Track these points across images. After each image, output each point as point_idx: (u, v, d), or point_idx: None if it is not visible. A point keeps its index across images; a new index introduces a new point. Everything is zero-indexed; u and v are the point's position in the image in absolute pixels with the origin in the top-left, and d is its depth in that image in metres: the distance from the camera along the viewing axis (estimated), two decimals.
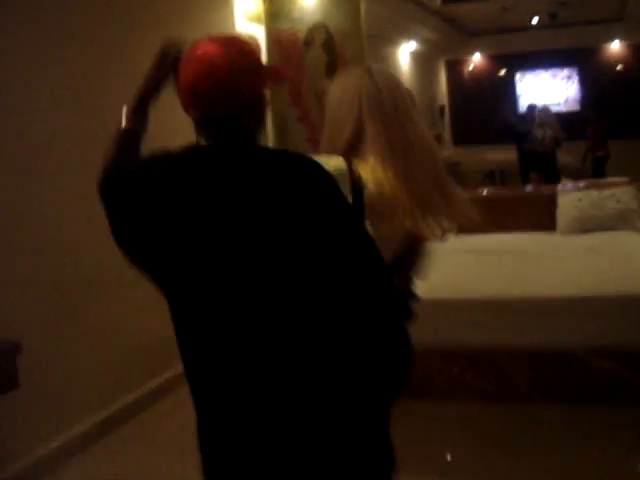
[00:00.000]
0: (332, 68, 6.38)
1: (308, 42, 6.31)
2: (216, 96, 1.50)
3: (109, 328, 4.02)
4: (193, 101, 1.53)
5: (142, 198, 1.53)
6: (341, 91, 1.87)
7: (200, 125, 1.56)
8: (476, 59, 15.12)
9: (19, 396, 2.87)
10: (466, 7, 11.21)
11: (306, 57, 6.33)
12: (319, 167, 1.50)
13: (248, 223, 1.44)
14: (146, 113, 1.71)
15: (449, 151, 13.78)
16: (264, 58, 5.52)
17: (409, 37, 11.37)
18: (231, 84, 1.50)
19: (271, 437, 1.48)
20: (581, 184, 5.94)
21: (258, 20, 6.20)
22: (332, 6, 6.30)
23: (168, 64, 1.66)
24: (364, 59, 6.53)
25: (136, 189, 1.55)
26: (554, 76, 14.57)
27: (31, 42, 3.77)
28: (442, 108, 14.79)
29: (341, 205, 1.50)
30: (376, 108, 1.76)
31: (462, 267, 4.62)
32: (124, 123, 1.68)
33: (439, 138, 13.81)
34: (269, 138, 6.37)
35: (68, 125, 3.91)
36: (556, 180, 8.44)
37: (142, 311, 3.89)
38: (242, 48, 1.56)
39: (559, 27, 12.55)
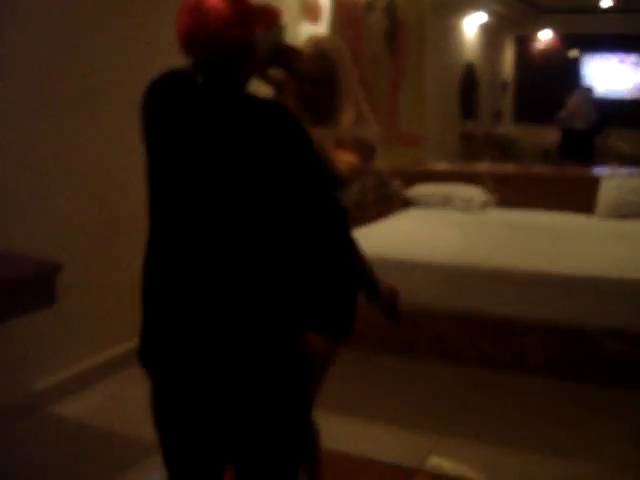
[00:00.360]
0: (391, 33, 6.47)
1: (369, 5, 6.39)
2: (207, 42, 1.68)
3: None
4: (188, 46, 1.71)
5: (145, 120, 1.77)
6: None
7: (196, 66, 1.74)
8: (545, 37, 14.89)
9: (56, 313, 3.09)
10: None
11: (366, 20, 6.41)
12: (289, 114, 1.70)
13: (222, 153, 1.66)
14: None
15: (507, 128, 13.70)
16: (324, 17, 5.67)
17: (478, 8, 11.26)
18: (222, 31, 1.67)
19: (206, 335, 1.69)
20: (625, 170, 5.94)
21: None
22: None
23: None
24: (425, 27, 6.60)
25: (143, 112, 1.79)
26: (622, 61, 14.28)
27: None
28: (505, 84, 14.65)
29: (303, 145, 1.68)
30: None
31: (493, 238, 4.72)
32: None
33: (499, 114, 13.73)
34: None
35: (117, 73, 4.11)
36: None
37: None
38: None
39: (631, 12, 12.30)
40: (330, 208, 1.73)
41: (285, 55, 2.12)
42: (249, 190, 1.64)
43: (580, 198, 5.73)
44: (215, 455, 1.81)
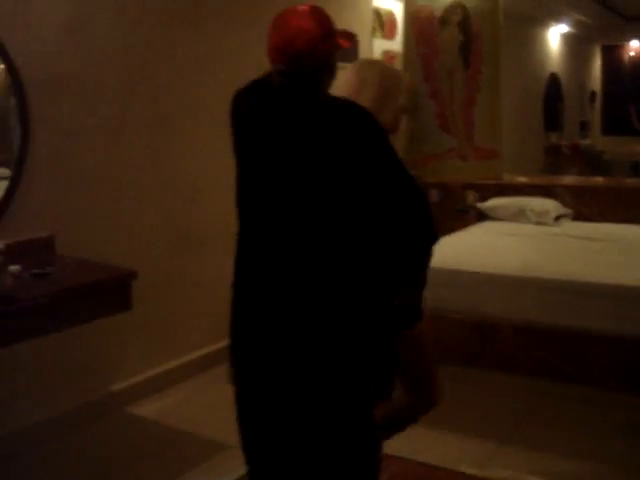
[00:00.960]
0: (466, 48, 6.52)
1: (444, 20, 6.46)
2: (300, 56, 1.88)
3: (216, 277, 4.44)
4: (282, 58, 1.90)
5: (234, 128, 1.97)
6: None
7: (284, 76, 1.91)
8: (634, 46, 14.59)
9: (135, 319, 3.32)
10: None
11: (441, 35, 6.48)
12: (367, 113, 1.82)
13: (307, 154, 1.80)
14: None
15: (594, 140, 13.44)
16: (400, 33, 5.78)
17: (559, 19, 11.15)
18: (312, 47, 1.88)
19: (286, 318, 1.80)
20: None
21: None
22: None
23: None
24: (500, 40, 6.63)
25: (232, 120, 1.98)
26: None
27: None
28: (593, 94, 14.40)
29: (381, 142, 1.81)
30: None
31: (564, 251, 4.71)
32: None
33: (585, 125, 13.50)
34: None
35: (197, 93, 4.33)
36: None
37: None
38: (319, 17, 1.93)
39: None
40: (413, 192, 1.77)
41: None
42: (333, 186, 1.77)
43: None
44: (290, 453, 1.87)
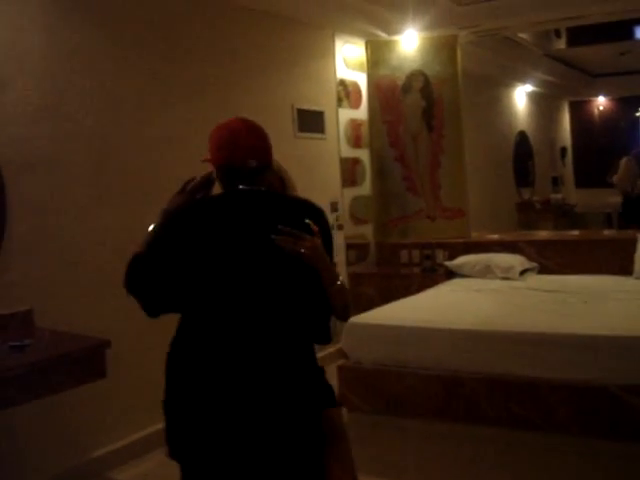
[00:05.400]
0: (429, 112, 6.83)
1: (406, 88, 6.80)
2: (264, 150, 2.29)
3: None
4: (247, 153, 2.23)
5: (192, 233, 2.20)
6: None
7: (236, 173, 2.24)
8: (601, 101, 15.05)
9: (106, 386, 3.46)
10: (586, 50, 11.33)
11: (404, 102, 6.80)
12: (322, 211, 2.32)
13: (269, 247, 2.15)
14: None
15: (566, 194, 13.76)
16: (364, 102, 6.06)
17: (524, 80, 11.55)
18: (269, 144, 2.30)
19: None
20: None
21: (360, 67, 6.73)
22: (430, 55, 6.78)
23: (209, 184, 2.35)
24: (460, 104, 6.94)
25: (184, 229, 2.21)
26: None
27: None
28: (564, 149, 14.79)
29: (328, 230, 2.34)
30: None
31: (527, 304, 4.91)
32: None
33: (557, 180, 13.83)
34: (368, 176, 6.86)
35: (165, 171, 4.55)
36: None
37: None
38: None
39: None
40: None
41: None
42: (290, 269, 2.18)
43: (621, 260, 5.87)
44: None
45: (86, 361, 3.27)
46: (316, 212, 2.30)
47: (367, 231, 6.74)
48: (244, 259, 2.14)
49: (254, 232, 2.16)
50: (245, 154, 2.22)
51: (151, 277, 2.17)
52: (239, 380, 2.09)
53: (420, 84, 6.78)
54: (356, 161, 6.72)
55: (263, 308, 2.14)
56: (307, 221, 2.20)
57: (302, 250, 2.16)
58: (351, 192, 6.64)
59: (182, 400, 2.15)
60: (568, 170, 14.96)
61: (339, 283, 2.25)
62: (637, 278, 5.59)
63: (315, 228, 2.21)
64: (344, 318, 2.40)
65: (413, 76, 6.79)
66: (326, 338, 2.30)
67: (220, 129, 2.28)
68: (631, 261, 5.80)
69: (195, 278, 2.15)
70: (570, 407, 4.02)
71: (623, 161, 10.80)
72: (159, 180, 4.50)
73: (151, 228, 2.26)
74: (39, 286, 3.84)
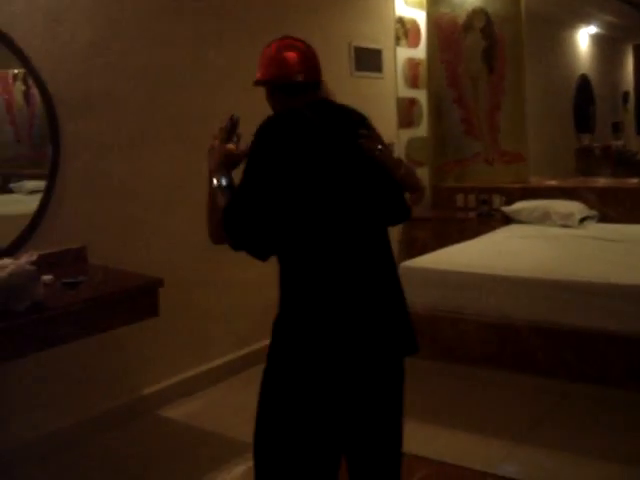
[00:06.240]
0: (490, 53, 6.59)
1: (467, 27, 6.55)
2: (316, 66, 2.29)
3: (243, 283, 4.58)
4: (307, 69, 2.24)
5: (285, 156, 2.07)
6: None
7: (294, 88, 2.23)
8: None
9: (156, 324, 3.46)
10: None
11: (464, 41, 6.57)
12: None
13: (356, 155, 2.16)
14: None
15: (627, 141, 13.35)
16: (423, 41, 5.89)
17: (588, 21, 11.13)
18: (318, 61, 2.31)
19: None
20: None
21: (419, 5, 6.50)
22: None
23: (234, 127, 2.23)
24: (523, 44, 6.68)
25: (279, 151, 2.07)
26: None
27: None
28: (626, 94, 14.30)
29: None
30: None
31: (586, 253, 4.75)
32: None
33: (618, 126, 13.41)
34: (425, 118, 6.69)
35: (219, 107, 4.46)
36: None
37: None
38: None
39: None
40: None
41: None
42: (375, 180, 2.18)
43: None
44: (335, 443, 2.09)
45: (138, 299, 3.25)
46: (364, 118, 2.32)
47: (423, 174, 6.58)
48: (343, 172, 2.10)
49: (342, 142, 2.14)
50: (300, 69, 2.22)
51: (259, 221, 2.00)
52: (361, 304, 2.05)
53: (481, 23, 6.53)
54: (413, 101, 6.54)
55: (364, 221, 2.12)
56: (362, 131, 2.20)
57: (379, 148, 2.19)
58: (407, 133, 6.48)
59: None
60: (630, 116, 14.48)
61: (405, 167, 2.29)
62: None
63: (373, 133, 2.24)
64: (420, 196, 2.47)
65: (474, 14, 6.53)
66: (406, 212, 2.35)
67: (271, 47, 2.28)
68: None
69: (303, 204, 2.02)
70: (628, 361, 3.91)
71: None
72: (210, 117, 4.42)
73: (220, 182, 2.09)
74: (92, 223, 3.82)
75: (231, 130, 2.19)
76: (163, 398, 4.12)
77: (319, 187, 2.03)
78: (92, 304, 3.03)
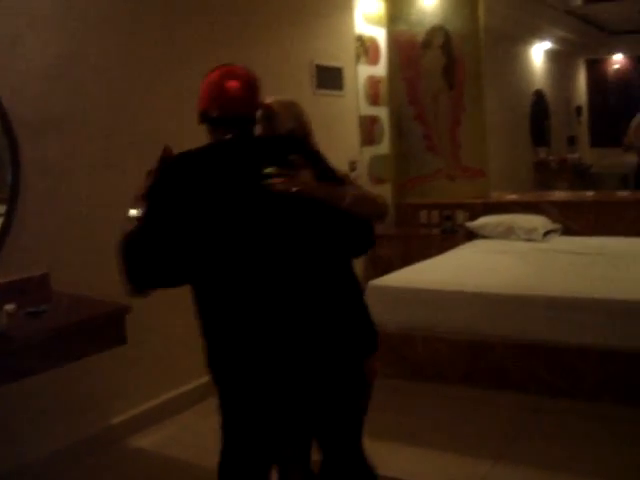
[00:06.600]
0: (449, 70, 6.63)
1: (426, 44, 6.58)
2: (252, 99, 2.24)
3: None
4: (232, 103, 2.20)
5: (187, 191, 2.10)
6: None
7: (224, 123, 2.21)
8: (617, 59, 14.75)
9: (124, 351, 3.35)
10: (605, 7, 11.07)
11: (424, 58, 6.59)
12: (302, 139, 2.33)
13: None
14: None
15: (582, 154, 13.55)
16: (383, 58, 5.88)
17: (542, 36, 11.29)
18: (256, 92, 2.25)
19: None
20: None
21: (378, 22, 6.51)
22: (451, 10, 6.56)
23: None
24: (482, 60, 6.73)
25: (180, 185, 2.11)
26: None
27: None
28: (579, 108, 14.53)
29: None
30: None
31: (552, 267, 4.78)
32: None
33: (573, 139, 13.62)
34: (386, 135, 6.69)
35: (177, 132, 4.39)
36: None
37: None
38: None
39: None
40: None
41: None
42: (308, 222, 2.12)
43: None
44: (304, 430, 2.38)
45: (106, 327, 3.16)
46: (296, 143, 2.27)
47: (386, 191, 6.57)
48: (247, 214, 2.08)
49: (246, 183, 2.09)
50: (232, 104, 2.21)
51: (155, 249, 2.10)
52: (281, 331, 2.08)
53: (441, 40, 6.56)
54: (374, 119, 6.53)
55: (284, 257, 2.09)
56: (291, 157, 2.12)
57: (295, 189, 2.08)
58: (370, 151, 6.46)
59: (228, 349, 2.18)
60: (583, 129, 14.72)
61: (349, 197, 2.16)
62: None
63: (300, 161, 2.13)
64: (380, 218, 2.40)
65: (433, 32, 6.56)
66: (365, 245, 2.32)
67: (208, 78, 2.27)
68: None
69: (201, 242, 2.09)
70: (600, 374, 3.93)
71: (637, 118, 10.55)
72: (171, 138, 4.35)
73: (132, 212, 2.18)
74: (55, 248, 3.71)
75: (163, 164, 2.21)
76: (132, 427, 4.00)
77: (216, 224, 2.07)
78: (58, 334, 2.93)
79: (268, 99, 2.53)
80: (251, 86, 2.24)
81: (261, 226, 2.07)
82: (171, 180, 2.11)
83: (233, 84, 2.20)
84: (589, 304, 3.97)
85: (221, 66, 2.28)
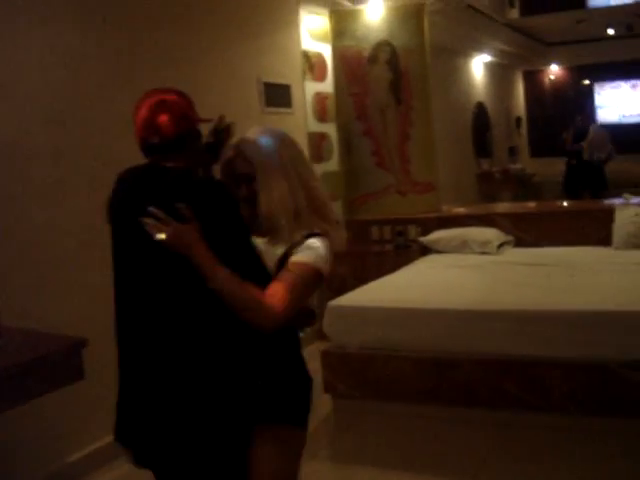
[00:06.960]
0: (396, 84, 6.62)
1: (372, 59, 6.56)
2: (161, 124, 2.14)
3: None
4: (151, 131, 2.14)
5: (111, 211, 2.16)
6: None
7: (144, 150, 2.18)
8: (554, 69, 15.05)
9: (78, 386, 3.20)
10: (541, 19, 11.29)
11: (370, 73, 6.57)
12: (223, 188, 2.01)
13: None
14: None
15: (523, 163, 13.77)
16: (330, 74, 5.83)
17: (481, 49, 11.44)
18: (168, 117, 2.13)
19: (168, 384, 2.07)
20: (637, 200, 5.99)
21: (324, 38, 6.47)
22: (396, 24, 6.56)
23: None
24: (429, 74, 6.74)
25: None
26: (634, 87, 14.37)
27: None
28: (519, 119, 14.76)
29: (233, 219, 2.00)
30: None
31: (510, 279, 4.76)
32: None
33: (514, 150, 13.81)
34: (335, 152, 6.63)
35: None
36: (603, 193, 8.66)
37: None
38: (177, 99, 2.20)
39: (636, 37, 12.42)
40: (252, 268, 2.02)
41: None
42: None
43: (598, 230, 5.76)
44: None
45: (62, 363, 3.00)
46: (205, 191, 1.99)
47: (336, 208, 6.51)
48: (128, 247, 2.07)
49: (131, 216, 2.00)
50: (141, 131, 2.18)
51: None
52: (145, 376, 2.18)
53: (387, 55, 6.55)
54: (323, 136, 6.47)
55: (146, 302, 2.06)
56: (178, 205, 1.90)
57: (161, 237, 1.89)
58: (319, 168, 6.38)
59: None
60: (523, 140, 14.96)
61: (219, 282, 1.90)
62: (616, 249, 5.50)
63: (187, 213, 1.90)
64: (259, 327, 1.97)
65: (379, 47, 6.54)
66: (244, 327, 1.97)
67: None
68: (606, 231, 5.70)
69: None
70: (567, 385, 3.91)
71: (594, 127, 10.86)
72: (123, 161, 4.22)
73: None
74: (4, 280, 3.53)
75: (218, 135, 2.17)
76: (90, 463, 3.83)
77: (115, 256, 2.12)
78: (10, 373, 2.76)
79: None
80: (150, 108, 2.16)
81: (135, 264, 2.04)
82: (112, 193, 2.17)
83: (138, 112, 2.22)
84: (551, 316, 3.95)
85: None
